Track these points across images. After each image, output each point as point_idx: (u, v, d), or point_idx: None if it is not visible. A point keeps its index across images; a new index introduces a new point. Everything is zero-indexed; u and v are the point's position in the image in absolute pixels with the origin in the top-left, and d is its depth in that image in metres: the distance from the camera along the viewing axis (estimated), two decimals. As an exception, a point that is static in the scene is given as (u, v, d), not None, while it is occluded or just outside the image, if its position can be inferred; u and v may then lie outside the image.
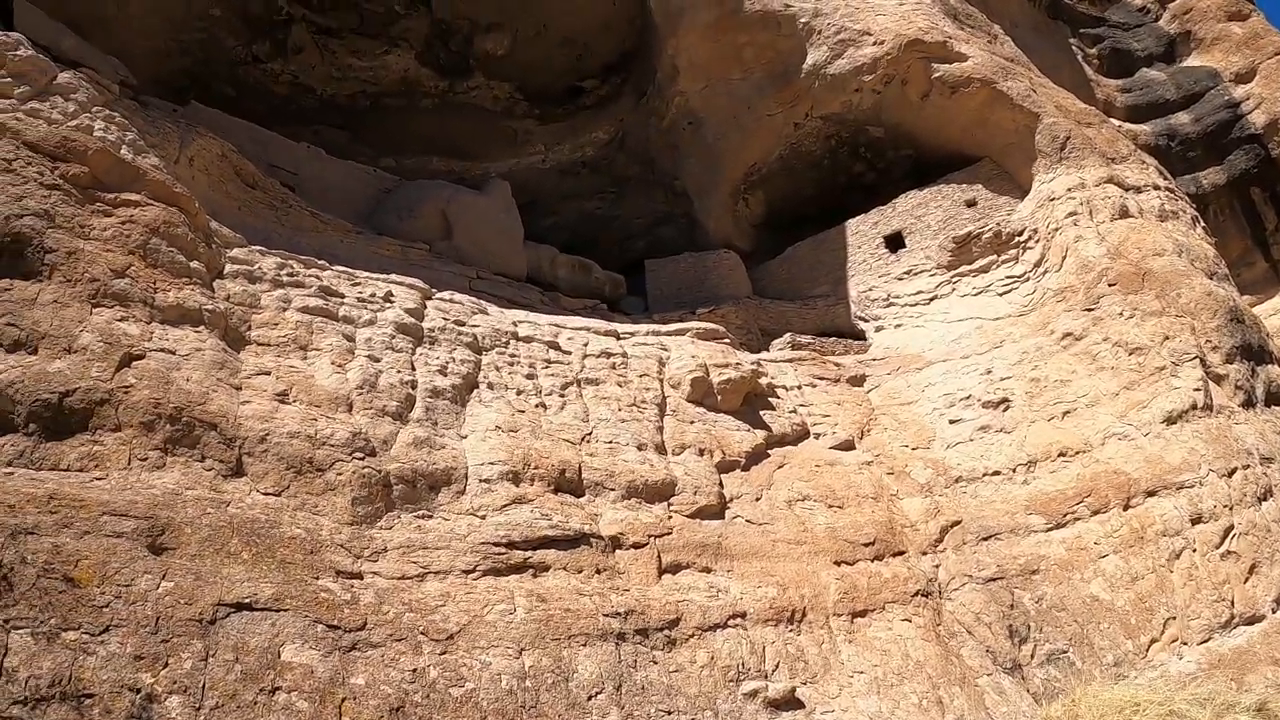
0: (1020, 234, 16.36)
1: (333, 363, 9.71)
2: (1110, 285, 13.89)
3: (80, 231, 8.93)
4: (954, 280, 17.03)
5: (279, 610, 6.44)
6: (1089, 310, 13.86)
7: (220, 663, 5.82)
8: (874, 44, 17.90)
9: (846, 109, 18.87)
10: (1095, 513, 10.82)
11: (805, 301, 19.56)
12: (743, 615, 8.91)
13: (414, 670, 6.66)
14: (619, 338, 13.64)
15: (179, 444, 7.57)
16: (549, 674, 7.28)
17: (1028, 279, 15.78)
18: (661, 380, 12.71)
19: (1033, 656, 9.29)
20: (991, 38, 19.03)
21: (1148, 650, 9.02)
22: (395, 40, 19.83)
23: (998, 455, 12.15)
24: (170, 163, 11.98)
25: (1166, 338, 12.70)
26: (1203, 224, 17.47)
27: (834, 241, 19.66)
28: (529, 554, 8.48)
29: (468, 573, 7.96)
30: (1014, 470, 11.85)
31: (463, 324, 11.89)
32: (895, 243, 18.58)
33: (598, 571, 8.77)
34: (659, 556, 9.33)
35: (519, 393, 11.09)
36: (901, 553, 10.71)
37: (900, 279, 18.11)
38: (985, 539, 10.84)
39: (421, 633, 7.04)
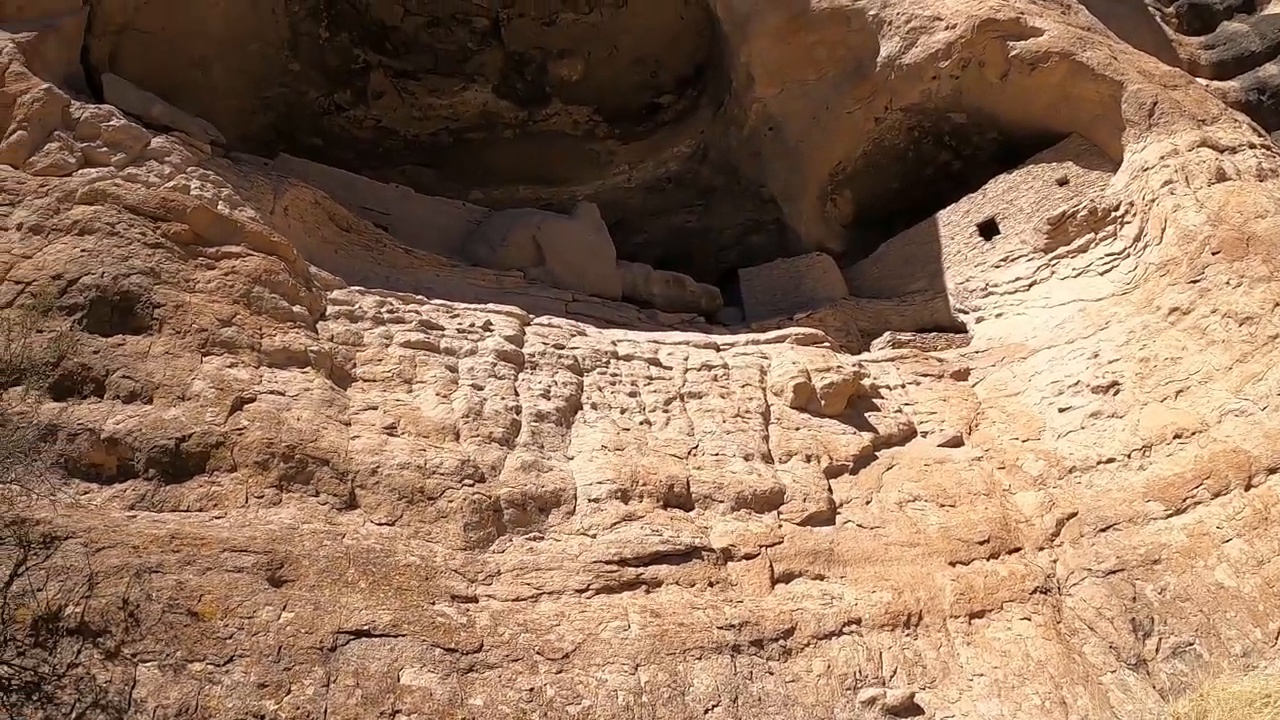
0: (1116, 209, 15.88)
1: (438, 394, 10.27)
2: (1214, 254, 13.38)
3: (186, 285, 9.66)
4: (1052, 263, 16.64)
5: (397, 635, 6.83)
6: (1194, 282, 13.38)
7: (341, 688, 6.20)
8: (946, 28, 17.72)
9: (925, 98, 18.69)
10: (1216, 495, 10.47)
11: (902, 298, 19.37)
12: (858, 621, 9.02)
13: (531, 690, 6.96)
14: (719, 349, 13.90)
15: (293, 481, 8.14)
16: (665, 689, 7.50)
17: (1128, 255, 15.32)
18: (764, 389, 12.91)
19: (1157, 651, 9.12)
20: (1065, 8, 18.50)
21: (1277, 638, 8.77)
22: (471, 76, 20.60)
23: (1111, 442, 11.88)
24: (266, 213, 12.68)
25: (1277, 304, 12.20)
26: (1304, 178, 16.61)
27: (926, 234, 19.41)
28: (641, 570, 8.77)
29: (581, 591, 8.29)
30: (1129, 456, 11.56)
31: (562, 347, 12.37)
32: (988, 230, 18.25)
33: (710, 584, 8.99)
34: (771, 566, 9.53)
35: (623, 411, 11.47)
36: (1017, 549, 10.65)
37: (997, 267, 17.76)
38: (1103, 530, 10.68)
39: (537, 652, 7.35)
